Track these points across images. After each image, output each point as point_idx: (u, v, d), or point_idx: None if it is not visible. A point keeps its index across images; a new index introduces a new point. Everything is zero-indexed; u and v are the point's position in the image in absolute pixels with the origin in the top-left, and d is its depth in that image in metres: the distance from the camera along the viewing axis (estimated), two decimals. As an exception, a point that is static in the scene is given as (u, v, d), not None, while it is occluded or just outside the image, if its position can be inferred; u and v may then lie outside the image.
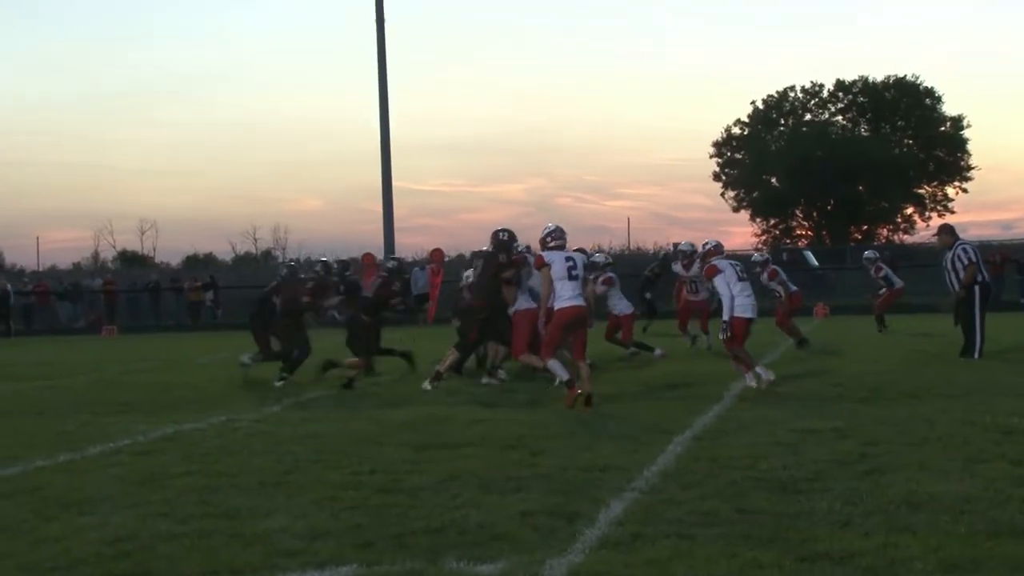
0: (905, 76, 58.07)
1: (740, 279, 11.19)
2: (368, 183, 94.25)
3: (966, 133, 57.26)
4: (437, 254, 32.96)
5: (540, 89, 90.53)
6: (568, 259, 10.30)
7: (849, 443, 7.39)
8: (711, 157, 60.50)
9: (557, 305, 10.14)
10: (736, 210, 59.99)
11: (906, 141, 58.87)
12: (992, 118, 79.78)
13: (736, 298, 11.01)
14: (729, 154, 60.07)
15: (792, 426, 8.21)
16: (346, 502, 6.09)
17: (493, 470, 6.89)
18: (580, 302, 10.25)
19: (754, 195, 59.02)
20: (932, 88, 57.62)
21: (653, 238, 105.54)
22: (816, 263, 42.34)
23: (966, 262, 13.87)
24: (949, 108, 57.94)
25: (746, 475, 6.40)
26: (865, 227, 58.06)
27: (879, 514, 5.34)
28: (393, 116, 35.83)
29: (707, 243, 12.14)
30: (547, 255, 10.30)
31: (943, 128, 57.69)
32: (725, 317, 11.03)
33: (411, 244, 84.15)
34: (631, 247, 53.28)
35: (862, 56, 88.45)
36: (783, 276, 16.82)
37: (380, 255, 35.87)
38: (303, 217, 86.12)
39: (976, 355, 13.62)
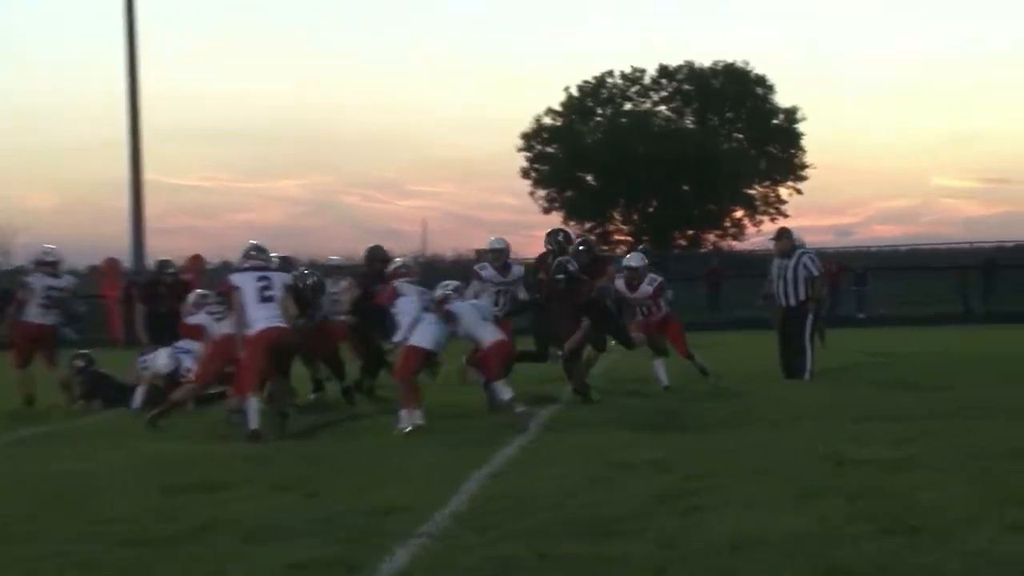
0: (734, 62, 60.31)
1: (427, 308, 11.27)
2: (113, 176, 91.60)
3: (800, 127, 59.85)
4: (195, 261, 32.83)
5: (322, 71, 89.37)
6: (261, 278, 10.51)
7: (669, 477, 7.59)
8: (519, 151, 61.17)
9: (254, 328, 10.31)
10: (547, 211, 60.82)
11: (735, 135, 61.05)
12: (829, 112, 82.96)
13: (421, 325, 11.02)
14: (540, 148, 60.90)
15: (606, 459, 8.37)
16: (79, 557, 5.89)
17: (260, 515, 6.80)
18: (277, 323, 10.42)
19: (567, 194, 60.02)
20: (764, 76, 60.02)
21: (452, 242, 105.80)
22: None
23: (815, 272, 14.30)
24: (782, 99, 60.46)
25: (552, 515, 6.49)
26: (691, 232, 59.83)
27: (699, 556, 5.49)
28: (145, 99, 34.85)
29: (397, 264, 12.19)
30: (234, 277, 10.59)
31: (776, 121, 60.07)
32: (397, 338, 11.12)
33: (168, 248, 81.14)
34: (427, 252, 53.13)
35: (687, 39, 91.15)
36: None
37: (126, 260, 34.94)
38: (33, 216, 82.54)
39: (807, 376, 14.11)
